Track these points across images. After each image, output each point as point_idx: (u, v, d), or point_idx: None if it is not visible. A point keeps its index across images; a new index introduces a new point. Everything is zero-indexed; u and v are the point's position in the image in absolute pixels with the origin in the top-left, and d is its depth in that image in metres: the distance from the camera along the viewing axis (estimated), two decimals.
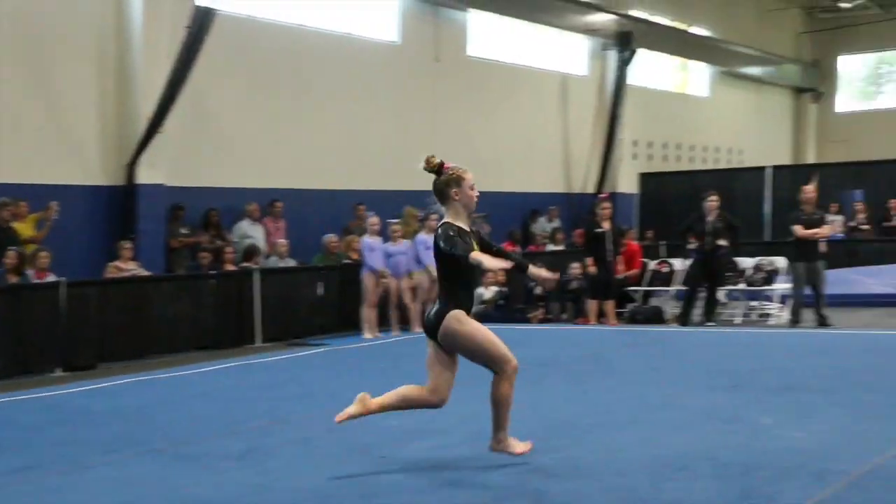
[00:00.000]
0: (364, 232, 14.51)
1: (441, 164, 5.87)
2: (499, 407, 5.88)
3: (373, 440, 6.80)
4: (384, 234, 14.30)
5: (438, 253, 5.83)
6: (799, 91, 33.30)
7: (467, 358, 5.90)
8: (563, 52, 22.82)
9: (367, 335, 13.79)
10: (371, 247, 13.96)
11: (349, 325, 14.27)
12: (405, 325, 14.31)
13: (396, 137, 18.21)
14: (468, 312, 5.86)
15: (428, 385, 5.94)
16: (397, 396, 5.96)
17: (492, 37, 20.87)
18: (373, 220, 14.31)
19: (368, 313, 13.92)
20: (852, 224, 20.13)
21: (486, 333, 5.84)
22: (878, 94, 34.49)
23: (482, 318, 15.02)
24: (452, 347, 5.84)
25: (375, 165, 17.68)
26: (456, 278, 5.87)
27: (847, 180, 22.16)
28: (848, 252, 18.42)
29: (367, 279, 13.88)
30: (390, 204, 16.10)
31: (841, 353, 10.93)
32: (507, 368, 5.85)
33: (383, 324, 14.20)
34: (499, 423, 5.92)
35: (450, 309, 5.79)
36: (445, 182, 5.88)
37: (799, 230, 13.89)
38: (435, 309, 5.90)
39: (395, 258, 14.10)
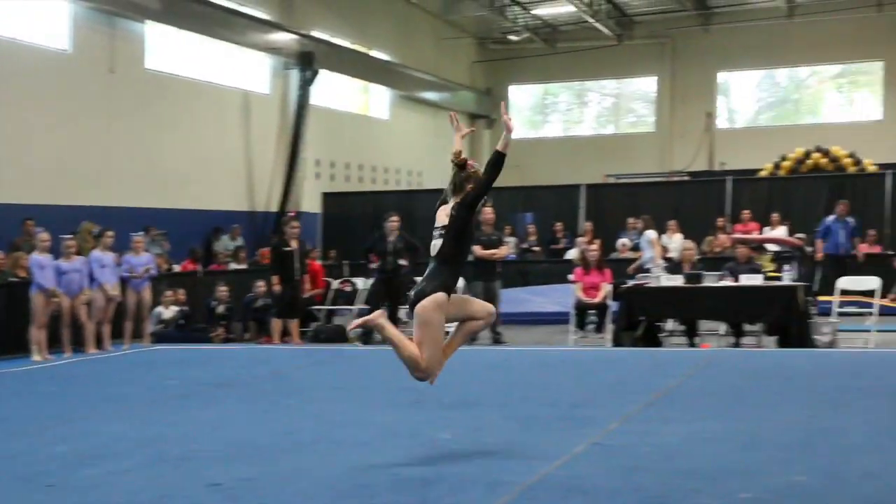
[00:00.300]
0: (33, 248, 13.69)
1: (465, 161, 6.46)
2: (400, 347, 6.34)
3: (40, 468, 6.40)
4: (56, 250, 13.55)
5: (454, 227, 6.37)
6: (474, 117, 34.72)
7: (415, 331, 6.31)
8: (246, 69, 22.63)
9: (37, 357, 13.00)
10: (41, 264, 13.17)
11: (17, 347, 13.39)
12: (79, 345, 13.63)
13: (69, 150, 17.36)
14: (450, 293, 6.38)
15: (472, 316, 6.54)
16: (462, 335, 6.58)
17: (171, 50, 20.35)
18: (43, 235, 13.53)
19: (37, 334, 13.13)
20: (524, 246, 21.18)
21: (441, 334, 6.37)
22: (544, 123, 36.64)
23: (161, 338, 14.79)
24: (416, 318, 6.30)
25: (46, 178, 16.75)
26: (454, 259, 6.42)
27: (518, 203, 23.31)
28: (520, 272, 19.37)
29: (37, 298, 13.09)
30: (62, 219, 15.32)
31: (514, 369, 11.43)
32: (420, 370, 6.38)
33: (55, 344, 13.44)
34: (388, 335, 6.39)
35: (438, 290, 6.28)
36: (467, 177, 6.41)
37: (478, 250, 14.44)
38: (423, 285, 6.36)
39: (68, 276, 13.38)
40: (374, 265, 14.90)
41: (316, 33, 24.40)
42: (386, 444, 6.99)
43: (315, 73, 23.07)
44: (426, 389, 9.44)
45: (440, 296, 6.27)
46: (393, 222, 14.73)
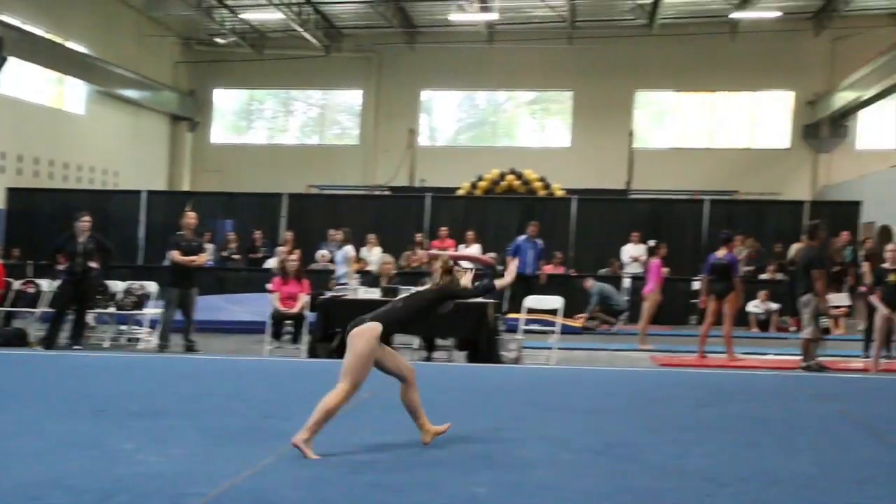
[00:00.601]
0: None
1: (452, 269, 7.34)
2: (325, 413, 6.68)
3: None
4: None
5: (424, 295, 7.28)
6: (176, 119, 33.90)
7: (346, 358, 6.74)
8: None
9: None
10: None
11: None
12: None
13: None
14: (387, 330, 6.86)
15: (399, 371, 7.01)
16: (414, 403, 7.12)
17: None
18: None
19: None
20: (224, 253, 20.85)
21: (366, 363, 6.73)
22: (249, 129, 36.27)
23: None
24: (350, 345, 6.72)
25: None
26: (407, 312, 7.08)
27: (219, 209, 22.97)
28: (218, 279, 19.07)
29: None
30: None
31: (206, 378, 11.19)
32: (352, 392, 6.74)
33: None
34: (316, 427, 6.68)
35: (375, 320, 6.79)
36: (449, 282, 7.25)
37: (176, 256, 14.06)
38: (365, 316, 6.86)
39: None
40: (61, 266, 14.18)
41: (5, 18, 23.02)
42: (63, 455, 6.63)
43: (3, 61, 21.75)
44: (110, 399, 9.10)
45: (376, 326, 6.75)
46: (84, 222, 14.08)
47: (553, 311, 14.16)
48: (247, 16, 31.26)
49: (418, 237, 20.97)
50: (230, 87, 35.43)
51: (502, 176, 25.26)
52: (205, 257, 15.02)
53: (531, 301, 14.62)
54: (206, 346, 14.33)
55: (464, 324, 13.02)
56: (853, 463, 6.91)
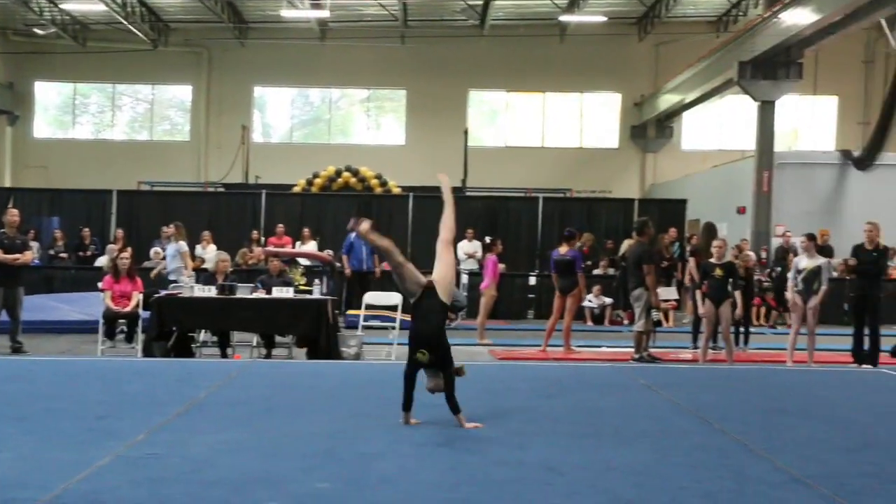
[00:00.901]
0: None
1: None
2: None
3: None
4: None
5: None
6: None
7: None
8: None
9: None
10: None
11: None
12: None
13: None
14: None
15: None
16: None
17: None
18: None
19: None
20: (52, 252, 20.15)
21: None
22: (74, 123, 35.07)
23: None
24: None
25: None
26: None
27: (44, 206, 22.21)
28: (45, 278, 18.44)
29: None
30: None
31: (35, 381, 10.73)
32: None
33: None
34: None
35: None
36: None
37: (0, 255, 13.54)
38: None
39: None
40: None
41: None
42: None
43: None
44: None
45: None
46: None
47: (393, 307, 14.19)
48: (67, 6, 30.20)
49: (254, 234, 20.71)
50: (52, 79, 34.22)
51: (338, 173, 25.19)
52: (30, 255, 14.46)
53: (370, 297, 14.61)
54: (34, 347, 13.82)
55: (303, 321, 12.94)
56: (685, 448, 7.18)
